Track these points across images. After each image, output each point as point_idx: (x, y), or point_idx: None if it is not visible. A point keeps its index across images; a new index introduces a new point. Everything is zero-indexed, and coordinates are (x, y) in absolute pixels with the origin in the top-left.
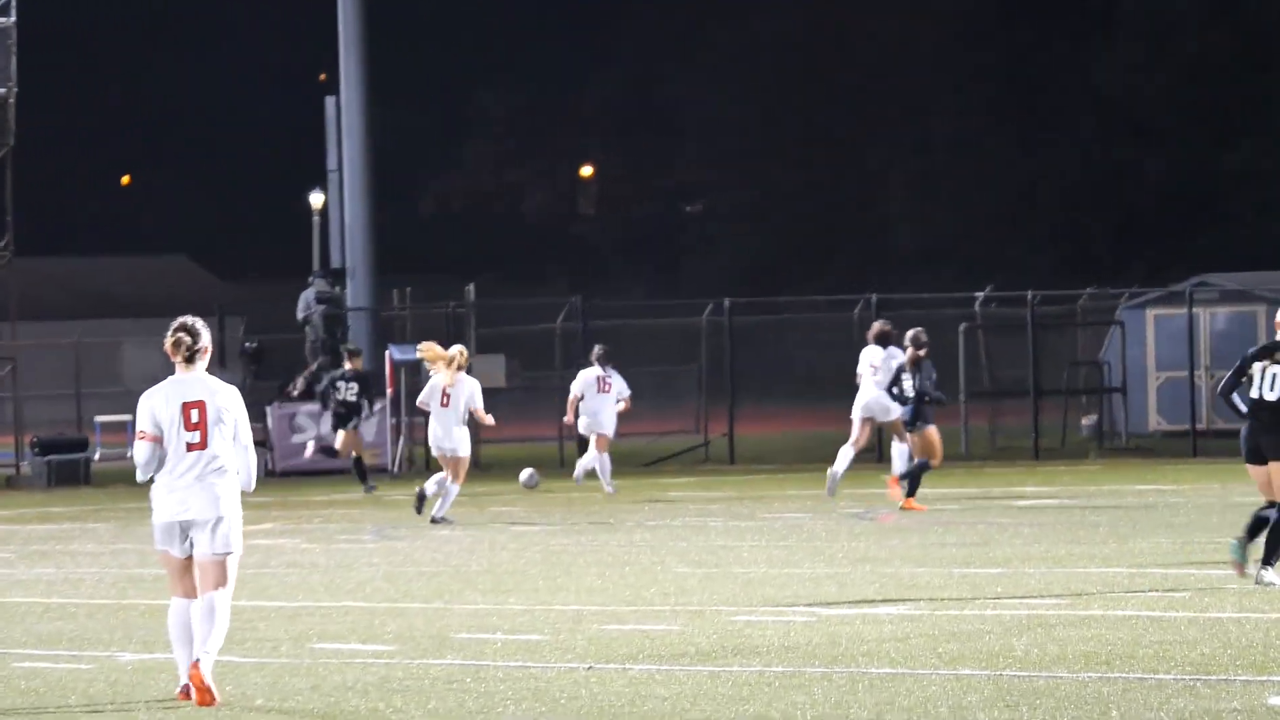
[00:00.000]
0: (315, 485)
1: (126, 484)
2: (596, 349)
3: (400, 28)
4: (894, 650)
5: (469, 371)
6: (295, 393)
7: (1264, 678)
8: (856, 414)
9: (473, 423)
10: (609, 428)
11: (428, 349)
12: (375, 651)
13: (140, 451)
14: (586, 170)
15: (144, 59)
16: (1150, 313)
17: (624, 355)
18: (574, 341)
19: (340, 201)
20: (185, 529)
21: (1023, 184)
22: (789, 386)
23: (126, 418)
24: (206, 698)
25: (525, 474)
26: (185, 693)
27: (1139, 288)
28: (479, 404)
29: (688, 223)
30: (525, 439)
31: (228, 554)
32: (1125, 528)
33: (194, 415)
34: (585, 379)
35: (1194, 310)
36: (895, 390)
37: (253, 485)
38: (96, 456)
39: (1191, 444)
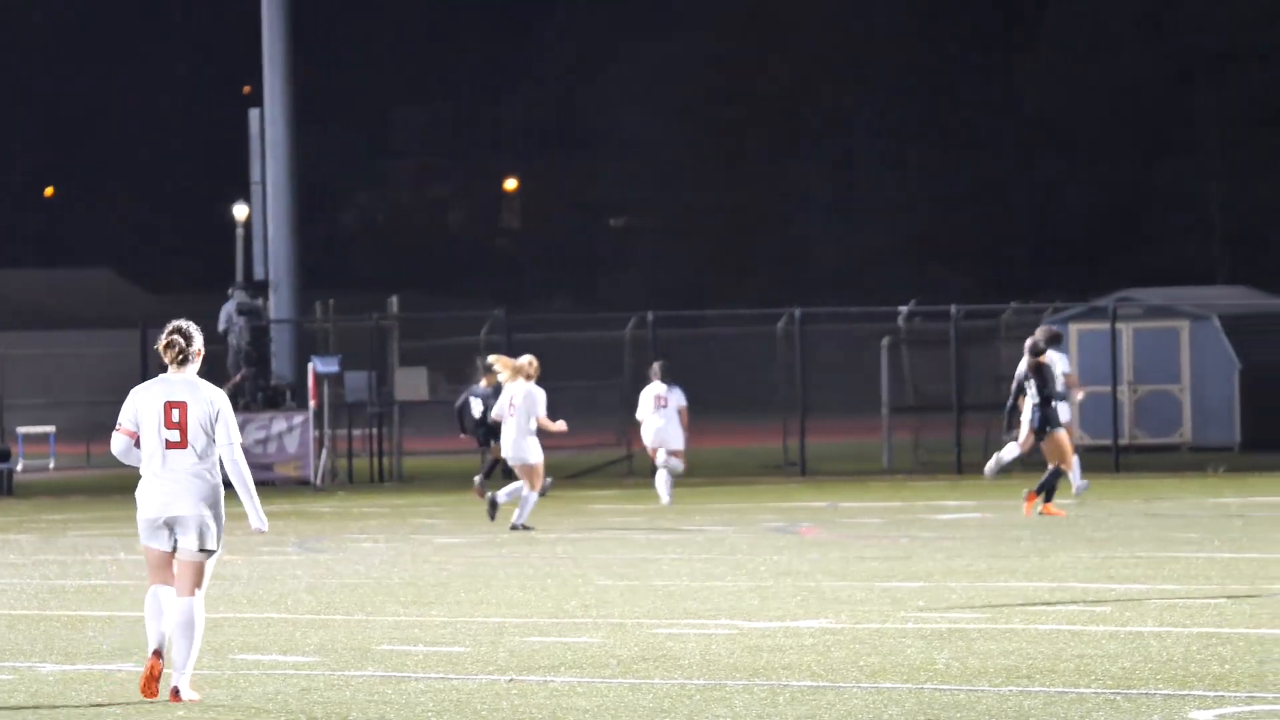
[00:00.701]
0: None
1: (50, 495)
2: (655, 366)
3: (324, 42)
4: (816, 663)
5: (536, 382)
6: None
7: (1184, 692)
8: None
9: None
10: (675, 443)
11: (501, 360)
12: (297, 663)
13: (115, 443)
14: (510, 184)
15: (67, 70)
16: (1073, 327)
17: (547, 368)
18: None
19: (264, 214)
20: (170, 525)
21: (945, 201)
22: (713, 400)
23: (50, 429)
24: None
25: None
26: (150, 678)
27: (1062, 303)
28: (543, 412)
29: (610, 237)
30: (449, 452)
31: (208, 553)
32: (1047, 542)
33: (175, 415)
34: (646, 394)
35: (1117, 325)
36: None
37: (246, 484)
38: (19, 468)
39: (1114, 458)
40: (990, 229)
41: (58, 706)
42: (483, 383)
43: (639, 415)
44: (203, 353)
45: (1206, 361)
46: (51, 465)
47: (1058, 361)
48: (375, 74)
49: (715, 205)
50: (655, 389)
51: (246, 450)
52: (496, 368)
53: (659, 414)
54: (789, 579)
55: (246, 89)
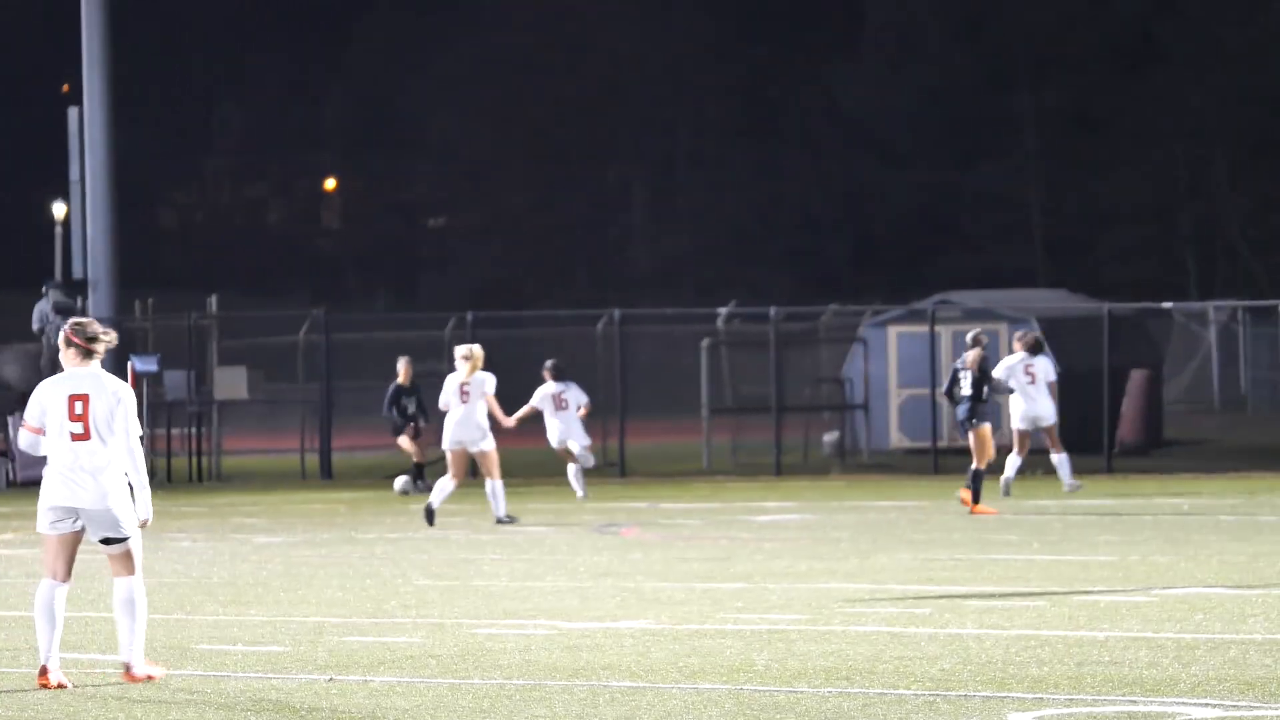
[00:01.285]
0: None
1: None
2: (548, 365)
3: (143, 38)
4: (635, 664)
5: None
6: None
7: (1003, 694)
8: (1018, 424)
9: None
10: (580, 439)
11: (475, 349)
12: (114, 662)
13: (21, 439)
14: (329, 183)
15: None
16: (893, 330)
17: (364, 369)
18: (316, 354)
19: (83, 213)
20: (76, 515)
21: (763, 203)
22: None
23: None
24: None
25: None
26: (44, 675)
27: (881, 305)
28: (491, 394)
29: (428, 237)
30: (268, 451)
31: (124, 539)
32: (867, 543)
33: (78, 407)
34: (542, 394)
35: (936, 328)
36: (954, 391)
37: (139, 475)
38: None
39: (933, 460)
40: (810, 231)
41: None
42: (400, 378)
43: (533, 405)
44: (107, 347)
45: None
46: None
47: (1047, 366)
48: (195, 71)
49: (533, 206)
50: (550, 389)
51: None
52: (466, 355)
53: (559, 415)
54: (609, 579)
55: (65, 87)
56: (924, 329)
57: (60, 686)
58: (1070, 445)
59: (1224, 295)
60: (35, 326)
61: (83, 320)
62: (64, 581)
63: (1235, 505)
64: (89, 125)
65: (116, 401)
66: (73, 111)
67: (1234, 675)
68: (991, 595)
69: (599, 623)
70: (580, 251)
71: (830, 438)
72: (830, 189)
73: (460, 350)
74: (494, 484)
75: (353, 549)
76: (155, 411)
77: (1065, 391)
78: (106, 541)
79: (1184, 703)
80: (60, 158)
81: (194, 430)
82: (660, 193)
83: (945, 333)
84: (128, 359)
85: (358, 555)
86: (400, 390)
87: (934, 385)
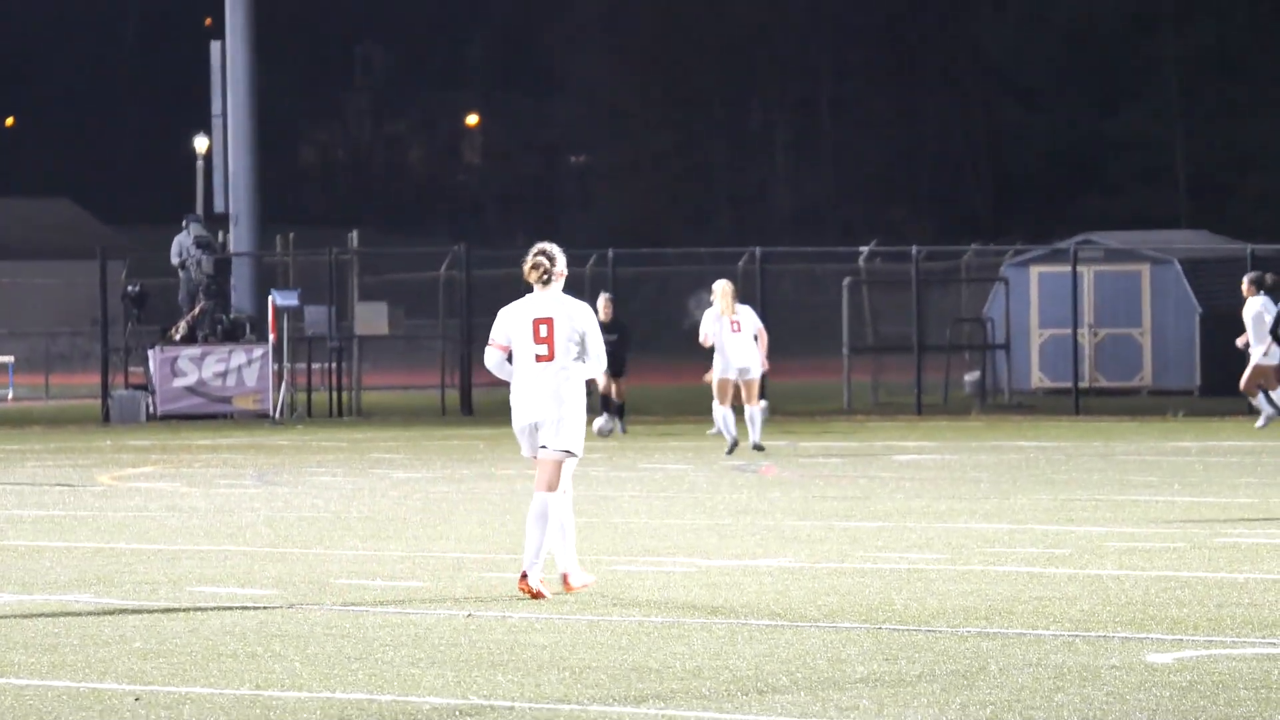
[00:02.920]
0: (197, 429)
1: (8, 425)
2: (722, 286)
3: None
4: (774, 603)
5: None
6: (178, 336)
7: (1142, 635)
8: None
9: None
10: (757, 367)
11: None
12: (254, 596)
13: (489, 357)
14: (470, 121)
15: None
16: (1034, 270)
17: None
18: (456, 290)
19: (224, 148)
20: (536, 428)
21: (905, 145)
22: (672, 340)
23: (9, 359)
24: (538, 593)
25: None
26: (523, 580)
27: (1023, 245)
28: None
29: (569, 175)
30: (408, 387)
31: (567, 454)
32: (1007, 484)
33: (543, 330)
34: (709, 319)
35: (1078, 268)
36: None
37: (600, 375)
38: None
39: (1074, 401)
40: (951, 172)
41: (13, 637)
42: (600, 315)
43: (709, 341)
44: (564, 274)
45: (1167, 306)
46: (10, 396)
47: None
48: (337, 9)
49: (673, 146)
50: (717, 313)
51: (205, 383)
52: (725, 291)
53: (733, 338)
54: (748, 518)
55: (208, 21)
56: (1066, 269)
57: (538, 595)
58: (1214, 388)
59: None
60: (175, 260)
61: (546, 247)
62: (549, 491)
63: None
64: (231, 60)
65: (578, 323)
66: (215, 46)
67: None
68: (1131, 536)
69: (737, 560)
70: (721, 193)
71: (971, 377)
72: (971, 131)
73: (718, 286)
74: (754, 410)
75: (492, 485)
76: (295, 346)
77: (1207, 333)
78: (544, 447)
79: None
80: (203, 92)
81: (334, 365)
82: (802, 135)
83: (1087, 273)
84: (269, 294)
85: (497, 492)
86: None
87: (1076, 326)
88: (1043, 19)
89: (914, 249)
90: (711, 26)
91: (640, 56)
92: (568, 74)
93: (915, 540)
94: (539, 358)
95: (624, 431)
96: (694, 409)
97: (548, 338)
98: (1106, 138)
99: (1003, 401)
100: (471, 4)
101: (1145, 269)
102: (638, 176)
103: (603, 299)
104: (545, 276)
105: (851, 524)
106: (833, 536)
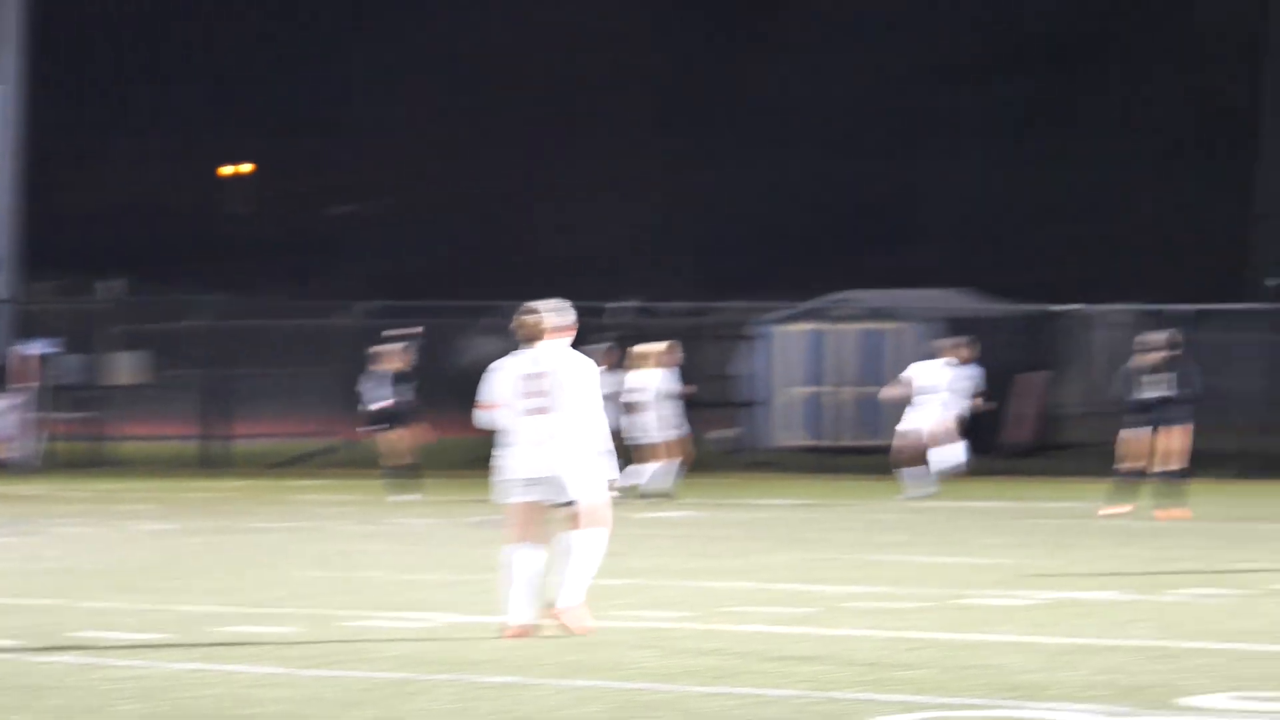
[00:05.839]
0: None
1: None
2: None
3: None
4: (514, 658)
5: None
6: None
7: (875, 696)
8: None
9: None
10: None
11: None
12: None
13: (480, 419)
14: (236, 169)
15: None
16: (785, 328)
17: (260, 357)
18: (215, 340)
19: None
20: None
21: (661, 197)
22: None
23: None
24: (575, 629)
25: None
26: (519, 632)
27: (774, 302)
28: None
29: (332, 225)
30: (165, 437)
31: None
32: (755, 542)
33: (534, 385)
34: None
35: (829, 326)
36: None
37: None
38: None
39: (824, 459)
40: (720, 225)
41: None
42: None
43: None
44: (561, 329)
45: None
46: None
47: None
48: (106, 50)
49: (436, 200)
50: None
51: None
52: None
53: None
54: (489, 573)
55: None
56: (816, 327)
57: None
58: (976, 446)
59: (1131, 298)
60: None
61: (530, 304)
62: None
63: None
64: (1, 104)
65: (567, 378)
66: None
67: (1111, 681)
68: (876, 596)
69: (476, 616)
70: (487, 244)
71: (718, 435)
72: (726, 184)
73: (646, 348)
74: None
75: (236, 538)
76: (50, 395)
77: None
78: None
79: (1058, 708)
80: None
81: (86, 415)
82: (569, 185)
83: (839, 331)
84: (17, 342)
85: (240, 545)
86: (396, 377)
87: (826, 384)
88: (826, 70)
89: (663, 305)
90: (489, 75)
91: (419, 104)
92: (339, 121)
93: (661, 598)
94: (532, 411)
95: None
96: (442, 461)
97: (543, 391)
98: (873, 194)
99: (751, 459)
100: (243, 49)
101: (902, 327)
102: (407, 226)
103: (397, 348)
104: (531, 334)
105: (598, 581)
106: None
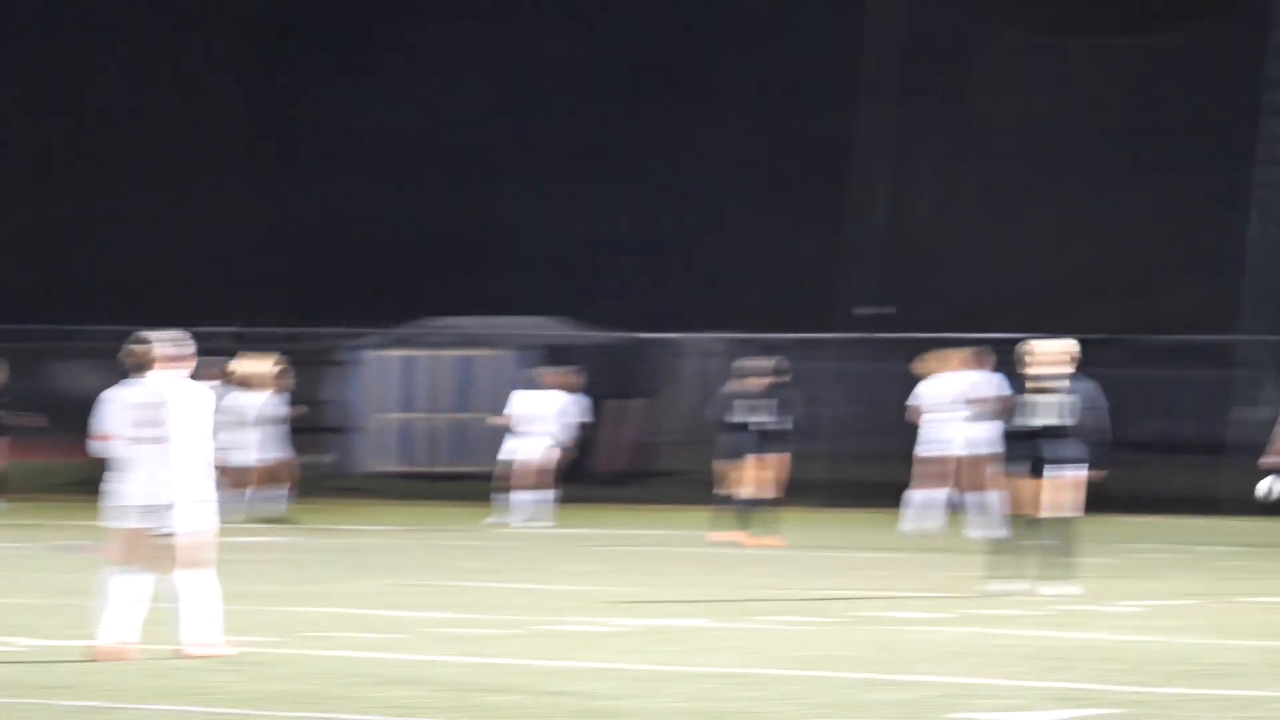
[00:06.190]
0: None
1: None
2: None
3: None
4: (100, 682)
5: None
6: None
7: None
8: None
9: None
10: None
11: None
12: None
13: (94, 449)
14: None
15: None
16: (378, 354)
17: None
18: None
19: None
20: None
21: (252, 222)
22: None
23: None
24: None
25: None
26: (111, 653)
27: (363, 328)
28: None
29: None
30: None
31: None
32: (338, 568)
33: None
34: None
35: (422, 353)
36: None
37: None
38: None
39: (416, 485)
40: (311, 249)
41: None
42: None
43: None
44: (177, 359)
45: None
46: None
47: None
48: None
49: (34, 219)
50: None
51: None
52: None
53: None
54: (77, 597)
55: None
56: (407, 353)
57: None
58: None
59: (724, 327)
60: None
61: (141, 334)
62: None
63: (695, 536)
64: None
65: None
66: None
67: (698, 708)
68: (462, 623)
69: (50, 640)
70: (79, 265)
71: (312, 460)
72: (310, 207)
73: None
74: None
75: None
76: None
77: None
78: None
79: None
80: None
81: None
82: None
83: (430, 357)
84: None
85: None
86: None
87: (417, 410)
88: (419, 100)
89: (244, 330)
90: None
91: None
92: None
93: (247, 623)
94: (146, 440)
95: None
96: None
97: (158, 421)
98: (463, 222)
99: (342, 485)
100: None
101: (497, 354)
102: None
103: None
104: (141, 363)
105: (165, 605)
106: (152, 619)
